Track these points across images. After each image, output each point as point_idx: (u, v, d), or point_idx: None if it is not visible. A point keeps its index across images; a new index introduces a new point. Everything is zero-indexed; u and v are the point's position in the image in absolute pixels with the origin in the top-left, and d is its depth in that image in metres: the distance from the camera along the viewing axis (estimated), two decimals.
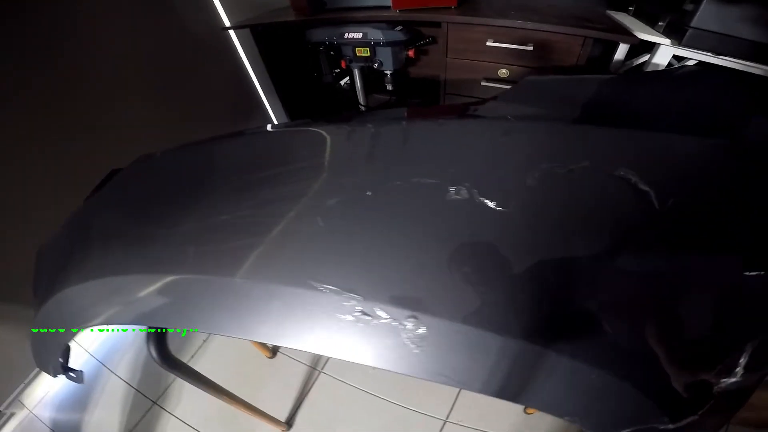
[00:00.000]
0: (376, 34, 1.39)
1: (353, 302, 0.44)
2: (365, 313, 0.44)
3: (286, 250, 0.52)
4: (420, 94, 1.72)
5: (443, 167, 0.54)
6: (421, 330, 0.42)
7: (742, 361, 0.37)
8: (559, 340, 0.40)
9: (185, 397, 1.19)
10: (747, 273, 0.40)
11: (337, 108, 1.95)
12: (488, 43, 1.18)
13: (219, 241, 0.55)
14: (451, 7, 1.18)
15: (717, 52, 0.81)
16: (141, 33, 1.33)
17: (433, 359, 0.43)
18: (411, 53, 1.46)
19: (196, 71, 1.55)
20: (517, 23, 1.06)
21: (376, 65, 1.52)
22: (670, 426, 0.38)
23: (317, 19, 1.38)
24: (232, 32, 1.61)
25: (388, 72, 1.55)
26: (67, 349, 0.69)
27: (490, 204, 0.49)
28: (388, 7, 1.23)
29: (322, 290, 0.46)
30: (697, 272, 0.43)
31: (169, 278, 0.53)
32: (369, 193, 0.54)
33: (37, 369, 1.26)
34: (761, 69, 0.81)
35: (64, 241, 0.74)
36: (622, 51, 1.10)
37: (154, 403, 1.19)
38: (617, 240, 0.45)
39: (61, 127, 1.16)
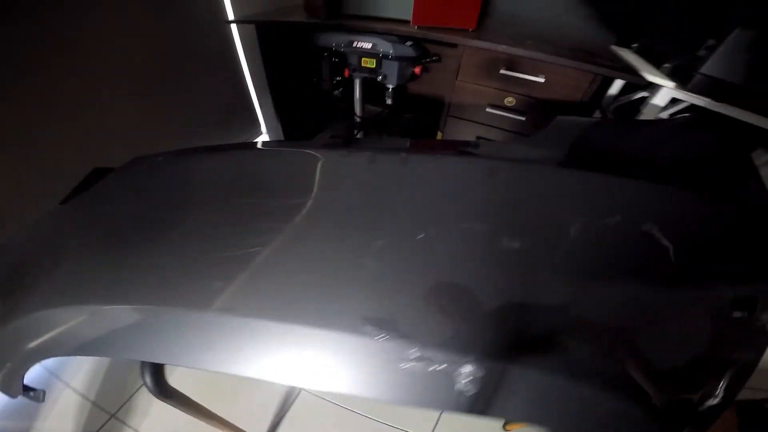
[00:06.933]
0: (387, 47, 1.39)
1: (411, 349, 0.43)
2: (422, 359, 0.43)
3: (331, 292, 0.49)
4: (417, 111, 1.74)
5: (494, 214, 0.56)
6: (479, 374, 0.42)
7: (722, 384, 0.43)
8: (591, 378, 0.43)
9: (153, 411, 1.04)
10: (734, 314, 0.47)
11: (331, 116, 1.93)
12: (502, 71, 1.22)
13: (249, 277, 0.52)
14: (468, 30, 1.22)
15: (717, 99, 0.90)
16: (135, 16, 1.21)
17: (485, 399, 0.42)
18: (417, 70, 1.47)
19: (189, 63, 1.43)
20: (536, 54, 1.10)
21: (380, 78, 1.52)
22: None
23: (329, 24, 1.36)
24: (233, 26, 1.54)
25: (391, 86, 1.55)
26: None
27: (541, 258, 0.51)
28: (407, 22, 1.24)
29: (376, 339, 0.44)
30: (694, 314, 0.48)
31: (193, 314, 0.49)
32: (421, 236, 0.53)
33: None
34: (755, 117, 0.90)
35: (33, 248, 0.66)
36: (616, 87, 1.19)
37: (112, 416, 1.03)
38: (637, 286, 0.50)
39: (34, 116, 1.01)
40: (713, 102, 0.92)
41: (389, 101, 1.59)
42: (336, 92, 1.75)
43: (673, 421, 0.43)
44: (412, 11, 1.18)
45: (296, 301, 0.49)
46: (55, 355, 0.52)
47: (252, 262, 0.53)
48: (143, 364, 0.54)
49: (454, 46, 1.23)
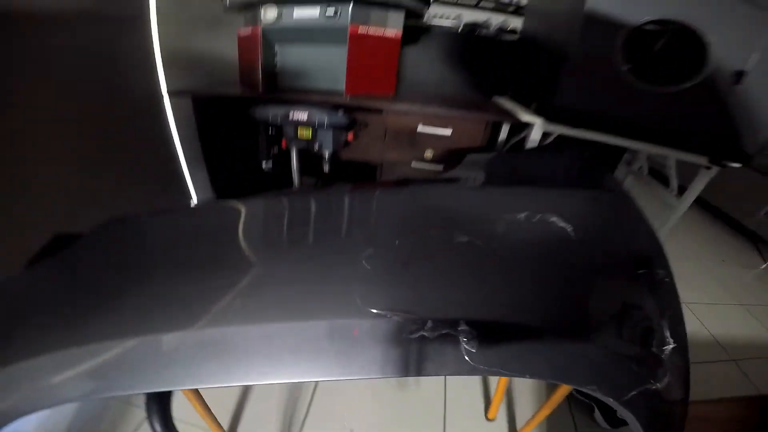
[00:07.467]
0: (321, 117, 1.60)
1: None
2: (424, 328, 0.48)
3: (332, 289, 0.55)
4: (351, 178, 1.93)
5: (444, 220, 0.74)
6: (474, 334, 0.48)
7: (666, 332, 0.53)
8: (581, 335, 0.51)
9: None
10: (639, 272, 0.62)
11: (267, 189, 1.99)
12: (419, 129, 1.50)
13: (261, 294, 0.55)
14: (389, 96, 1.52)
15: (573, 126, 1.26)
16: (68, 84, 1.23)
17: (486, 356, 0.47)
18: (350, 137, 1.71)
19: (121, 134, 1.44)
20: (442, 111, 1.42)
21: (316, 147, 1.70)
22: (658, 385, 0.50)
23: (266, 98, 1.54)
24: (167, 97, 1.60)
25: (327, 153, 1.74)
26: None
27: (486, 245, 0.66)
28: (339, 92, 1.50)
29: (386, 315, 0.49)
30: (615, 277, 0.63)
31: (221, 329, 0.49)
32: (397, 242, 0.67)
33: None
34: (605, 137, 1.27)
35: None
36: (504, 131, 1.55)
37: None
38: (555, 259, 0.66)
39: None
40: (571, 128, 1.29)
41: (327, 168, 1.75)
42: (265, 166, 1.87)
43: (653, 367, 0.50)
44: (343, 83, 1.46)
45: (302, 301, 0.52)
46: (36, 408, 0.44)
47: (248, 283, 0.57)
48: (149, 403, 0.55)
49: (379, 111, 1.51)
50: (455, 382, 1.30)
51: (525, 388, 1.31)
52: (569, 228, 0.68)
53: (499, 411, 1.21)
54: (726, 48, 1.14)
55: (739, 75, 1.17)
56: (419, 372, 0.44)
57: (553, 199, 0.83)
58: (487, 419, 1.18)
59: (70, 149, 1.26)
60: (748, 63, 1.16)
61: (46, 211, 1.16)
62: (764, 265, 2.44)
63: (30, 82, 1.11)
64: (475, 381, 1.32)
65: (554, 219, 0.70)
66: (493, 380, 1.31)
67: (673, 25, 1.16)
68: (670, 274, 0.61)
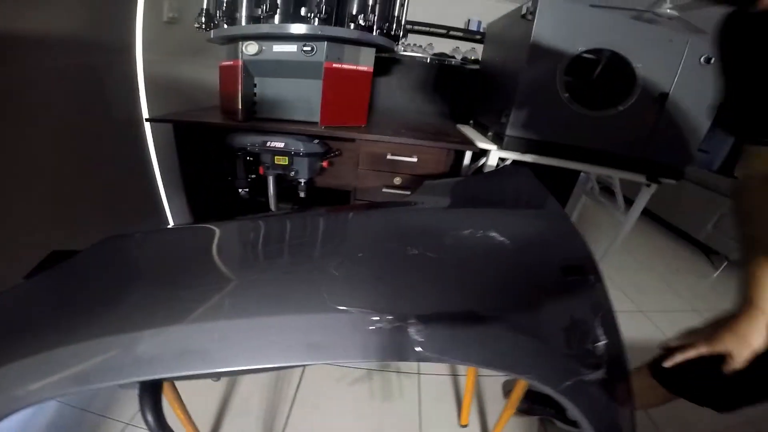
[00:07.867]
0: (297, 145, 1.71)
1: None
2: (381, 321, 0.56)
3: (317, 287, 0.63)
4: (328, 201, 2.01)
5: (404, 239, 0.84)
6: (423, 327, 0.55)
7: (599, 330, 0.59)
8: (522, 329, 0.59)
9: None
10: (568, 278, 0.72)
11: (245, 214, 2.05)
12: (388, 157, 1.62)
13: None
14: (361, 126, 1.64)
15: (523, 152, 1.40)
16: (53, 106, 1.28)
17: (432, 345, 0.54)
18: (325, 164, 1.81)
19: (102, 160, 1.50)
20: (406, 140, 1.55)
21: (292, 174, 1.79)
22: (593, 376, 0.55)
23: (245, 126, 1.63)
24: (148, 123, 1.67)
25: (303, 180, 1.83)
26: None
27: (436, 256, 0.76)
28: (314, 123, 1.61)
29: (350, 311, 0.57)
30: (549, 281, 0.72)
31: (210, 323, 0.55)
32: (360, 254, 0.77)
33: None
34: (554, 161, 1.41)
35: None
36: (467, 157, 1.68)
37: None
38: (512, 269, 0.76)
39: None
40: (522, 154, 1.43)
41: (302, 194, 1.84)
42: (242, 191, 1.93)
43: (587, 360, 0.56)
44: (318, 114, 1.57)
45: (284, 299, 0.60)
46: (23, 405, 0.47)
47: (230, 289, 0.64)
48: (142, 397, 0.55)
49: (352, 141, 1.62)
50: (429, 393, 1.36)
51: (495, 395, 1.38)
52: (507, 241, 0.79)
53: (472, 418, 1.27)
54: (652, 73, 1.32)
55: (664, 97, 1.35)
56: (376, 357, 0.52)
57: (493, 217, 0.94)
58: (461, 426, 1.24)
59: (50, 169, 1.29)
60: (671, 86, 1.34)
61: (23, 231, 1.18)
62: (716, 274, 2.64)
63: (11, 104, 1.15)
64: (448, 392, 1.38)
65: (494, 234, 0.81)
66: (464, 389, 1.37)
67: (605, 53, 1.33)
68: (600, 279, 0.68)
